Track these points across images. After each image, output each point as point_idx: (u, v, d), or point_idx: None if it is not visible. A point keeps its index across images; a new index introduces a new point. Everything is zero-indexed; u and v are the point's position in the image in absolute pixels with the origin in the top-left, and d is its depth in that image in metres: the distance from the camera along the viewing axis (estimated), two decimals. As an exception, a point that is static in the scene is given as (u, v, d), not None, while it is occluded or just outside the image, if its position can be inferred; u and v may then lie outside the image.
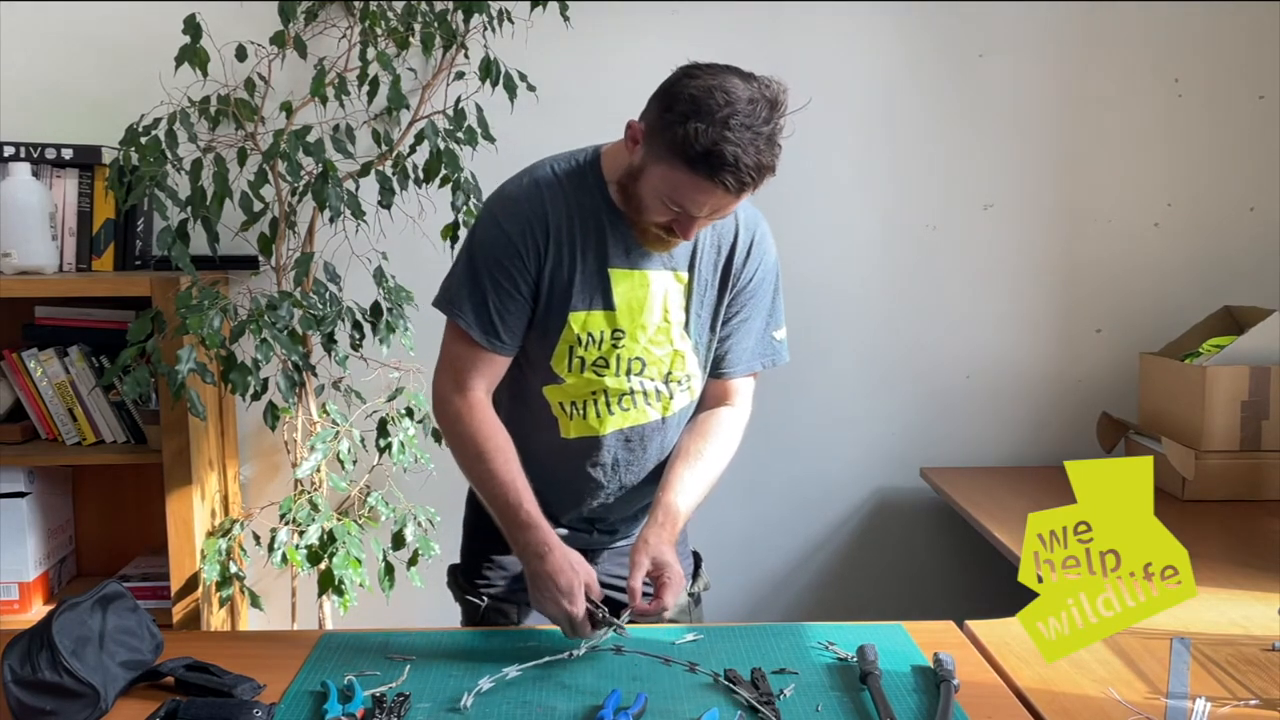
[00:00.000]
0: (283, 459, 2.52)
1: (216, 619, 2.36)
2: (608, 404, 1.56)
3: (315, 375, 2.34)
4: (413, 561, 2.33)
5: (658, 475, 1.61)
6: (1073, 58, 2.63)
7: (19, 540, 2.30)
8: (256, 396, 2.18)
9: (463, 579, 1.74)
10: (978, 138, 2.64)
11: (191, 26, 2.18)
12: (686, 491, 1.56)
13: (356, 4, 2.34)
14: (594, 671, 1.42)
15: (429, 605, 2.24)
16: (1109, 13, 2.62)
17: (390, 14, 2.32)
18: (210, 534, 2.32)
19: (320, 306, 2.22)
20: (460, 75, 2.40)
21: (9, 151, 2.31)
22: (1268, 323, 2.37)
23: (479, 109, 2.35)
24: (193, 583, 2.27)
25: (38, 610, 2.32)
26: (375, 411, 2.34)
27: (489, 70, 2.33)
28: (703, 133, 1.32)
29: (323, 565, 2.21)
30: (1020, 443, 2.74)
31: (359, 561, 2.23)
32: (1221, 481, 2.31)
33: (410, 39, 2.36)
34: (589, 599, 1.45)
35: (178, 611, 2.26)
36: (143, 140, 2.15)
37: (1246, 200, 2.68)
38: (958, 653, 1.44)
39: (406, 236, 2.41)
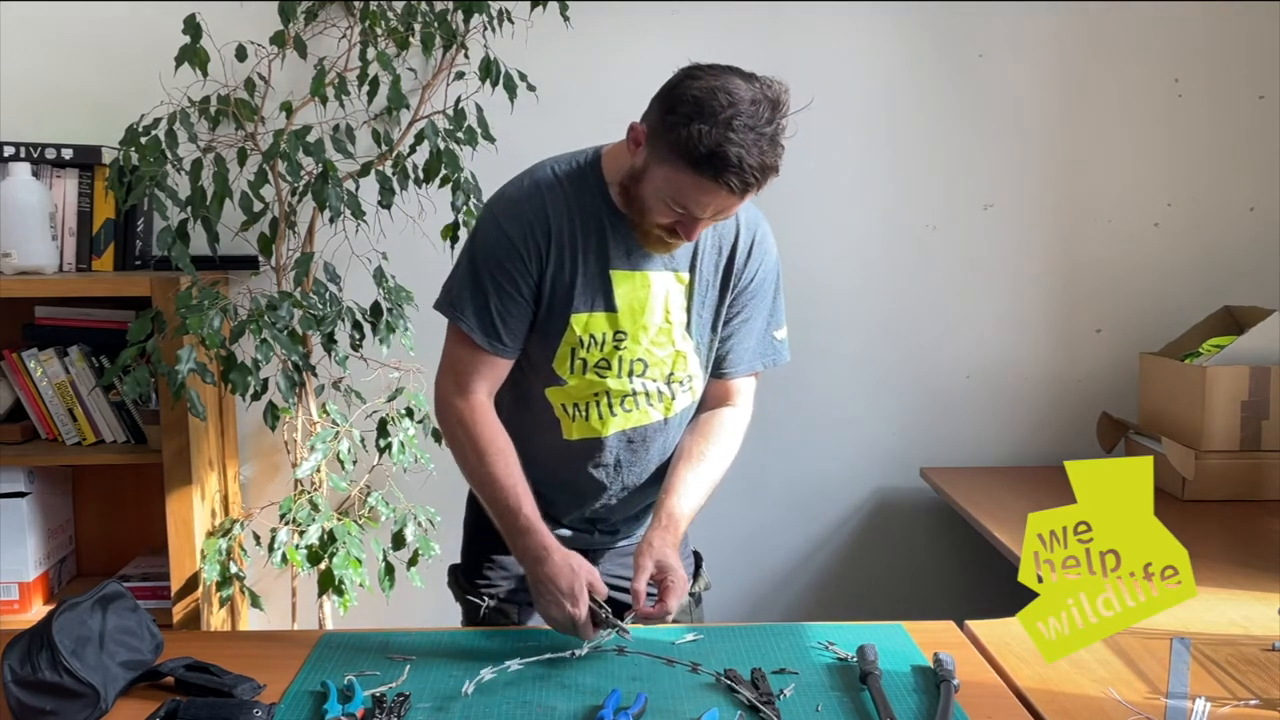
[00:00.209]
0: (283, 459, 2.52)
1: (216, 619, 2.36)
2: (610, 405, 1.56)
3: (315, 375, 2.34)
4: (413, 561, 2.33)
5: (660, 476, 1.62)
6: (1073, 58, 2.63)
7: (19, 540, 2.30)
8: (256, 396, 2.18)
9: (463, 579, 1.74)
10: (978, 138, 2.64)
11: (191, 26, 2.18)
12: (689, 494, 1.56)
13: (356, 4, 2.34)
14: (594, 671, 1.42)
15: (429, 605, 2.24)
16: (1109, 13, 2.62)
17: (390, 14, 2.32)
18: (210, 534, 2.32)
19: (320, 306, 2.22)
20: (460, 75, 2.40)
21: (9, 151, 2.31)
22: (1268, 323, 2.37)
23: (479, 109, 2.35)
24: (193, 583, 2.27)
25: (38, 610, 2.32)
26: (375, 411, 2.34)
27: (489, 70, 2.33)
28: (706, 134, 1.32)
29: (323, 565, 2.21)
30: (1020, 443, 2.74)
31: (359, 561, 2.23)
32: (1221, 481, 2.31)
33: (410, 39, 2.36)
34: (593, 599, 1.45)
35: (178, 611, 2.26)
36: (143, 140, 2.15)
37: (1246, 200, 2.68)
38: (958, 653, 1.44)
39: (406, 236, 2.41)
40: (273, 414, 2.23)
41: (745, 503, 2.70)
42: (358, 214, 2.23)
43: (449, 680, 1.38)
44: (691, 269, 1.56)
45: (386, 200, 2.29)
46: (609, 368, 1.54)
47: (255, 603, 2.35)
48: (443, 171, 2.28)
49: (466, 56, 2.40)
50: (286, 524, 2.20)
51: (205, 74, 2.22)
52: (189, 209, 2.18)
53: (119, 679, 1.33)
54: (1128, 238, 2.69)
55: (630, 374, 1.55)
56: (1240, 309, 2.54)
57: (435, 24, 2.33)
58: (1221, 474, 2.31)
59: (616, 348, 1.54)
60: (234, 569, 2.24)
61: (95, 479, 2.51)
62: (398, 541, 2.31)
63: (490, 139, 2.35)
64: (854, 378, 2.71)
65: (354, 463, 2.29)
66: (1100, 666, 1.44)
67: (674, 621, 1.59)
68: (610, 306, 1.52)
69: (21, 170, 2.27)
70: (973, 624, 1.59)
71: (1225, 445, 2.32)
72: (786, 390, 2.61)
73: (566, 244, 1.50)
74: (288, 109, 2.28)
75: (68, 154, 2.35)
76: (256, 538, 2.35)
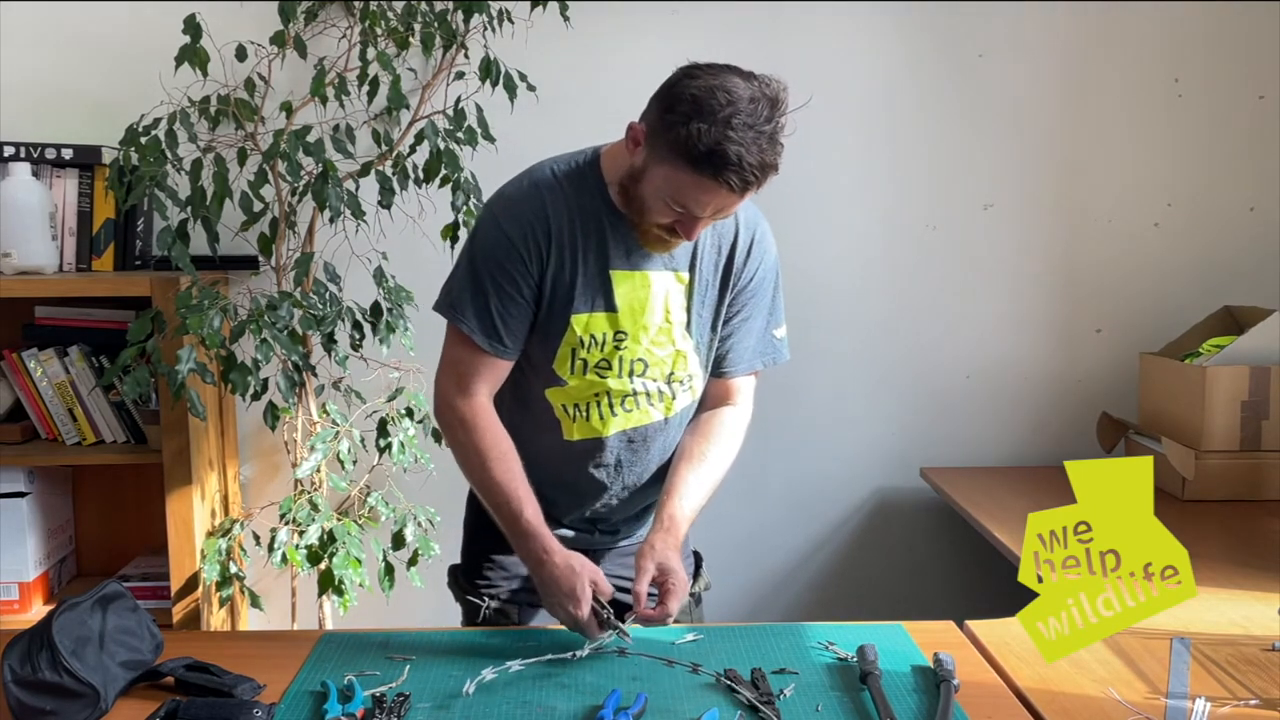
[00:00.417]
0: (283, 459, 2.52)
1: (216, 619, 2.36)
2: (610, 405, 1.56)
3: (315, 375, 2.34)
4: (413, 561, 2.33)
5: (661, 475, 1.62)
6: (1073, 58, 2.63)
7: (19, 540, 2.30)
8: (256, 396, 2.18)
9: (463, 579, 1.74)
10: (978, 138, 2.64)
11: (191, 26, 2.18)
12: (690, 495, 1.56)
13: (356, 4, 2.34)
14: (594, 671, 1.42)
15: (429, 605, 2.24)
16: (1109, 12, 2.62)
17: (390, 14, 2.32)
18: (210, 534, 2.32)
19: (320, 306, 2.22)
20: (460, 75, 2.40)
21: (9, 151, 2.31)
22: (1268, 323, 2.37)
23: (479, 109, 2.35)
24: (193, 583, 2.27)
25: (38, 610, 2.32)
26: (375, 411, 2.34)
27: (489, 70, 2.33)
28: (705, 132, 1.32)
29: (323, 565, 2.21)
30: (1020, 443, 2.74)
31: (359, 561, 2.23)
32: (1221, 481, 2.31)
33: (410, 39, 2.36)
34: (596, 599, 1.45)
35: (178, 611, 2.26)
36: (143, 140, 2.15)
37: (1246, 200, 2.68)
38: (958, 653, 1.44)
39: (406, 236, 2.41)
40: (273, 414, 2.23)
41: (745, 503, 2.70)
42: (358, 214, 2.23)
43: (449, 680, 1.38)
44: (691, 268, 1.56)
45: (386, 200, 2.29)
46: (609, 368, 1.54)
47: (255, 603, 2.35)
48: (443, 171, 2.28)
49: (466, 56, 2.40)
50: (286, 524, 2.20)
51: (205, 74, 2.22)
52: (189, 209, 2.18)
53: (119, 679, 1.33)
54: (1128, 238, 2.69)
55: (631, 374, 1.55)
56: (1240, 309, 2.54)
57: (435, 24, 2.33)
58: (1221, 474, 2.31)
59: (617, 348, 1.54)
60: (234, 569, 2.24)
61: (95, 479, 2.51)
62: (397, 541, 2.31)
63: (490, 139, 2.35)
64: (854, 378, 2.71)
65: (354, 463, 2.29)
66: (1100, 666, 1.44)
67: (675, 621, 1.59)
68: (610, 306, 1.52)
69: (21, 170, 2.27)
70: (973, 624, 1.59)
71: (1225, 445, 2.32)
72: (786, 390, 2.61)
73: (566, 244, 1.50)
74: (288, 109, 2.28)
75: (68, 154, 2.35)
76: (256, 538, 2.35)
